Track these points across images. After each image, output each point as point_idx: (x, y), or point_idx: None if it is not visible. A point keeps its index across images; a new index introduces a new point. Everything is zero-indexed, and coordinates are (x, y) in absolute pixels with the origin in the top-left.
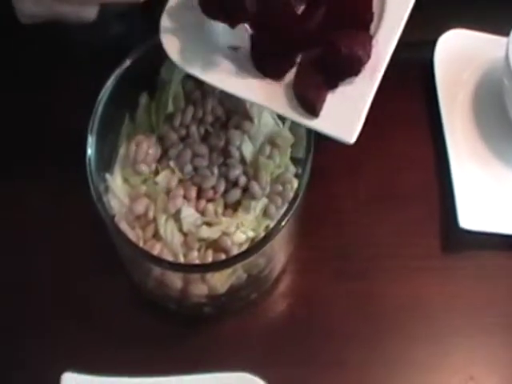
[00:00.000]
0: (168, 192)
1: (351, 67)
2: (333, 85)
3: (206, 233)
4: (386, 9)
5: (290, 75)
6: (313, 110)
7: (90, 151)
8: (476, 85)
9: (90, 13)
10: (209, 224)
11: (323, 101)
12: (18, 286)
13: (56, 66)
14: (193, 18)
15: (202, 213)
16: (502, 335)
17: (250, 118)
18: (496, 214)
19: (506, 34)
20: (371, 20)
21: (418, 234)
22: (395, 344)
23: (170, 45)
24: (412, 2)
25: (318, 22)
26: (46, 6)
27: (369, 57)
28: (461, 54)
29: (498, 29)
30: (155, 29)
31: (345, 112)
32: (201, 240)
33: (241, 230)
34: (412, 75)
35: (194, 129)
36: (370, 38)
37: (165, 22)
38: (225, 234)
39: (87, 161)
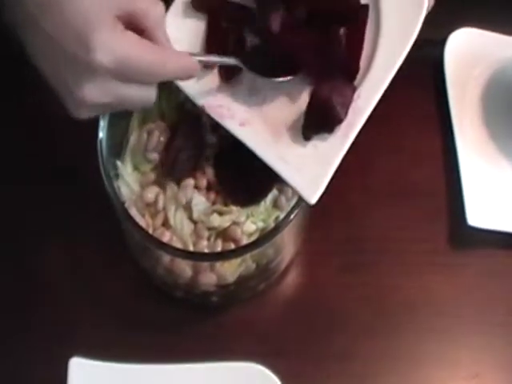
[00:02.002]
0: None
1: (326, 124)
2: (307, 137)
3: (217, 221)
4: (373, 65)
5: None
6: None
7: (101, 134)
8: (485, 83)
9: (152, 94)
10: (219, 213)
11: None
12: (27, 272)
13: None
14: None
15: (213, 203)
16: (509, 333)
17: None
18: (504, 213)
19: None
20: (357, 72)
21: (426, 229)
22: (402, 338)
23: None
24: (398, 65)
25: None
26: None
27: (346, 116)
28: (471, 52)
29: (508, 28)
30: None
31: (312, 169)
32: (211, 229)
33: (251, 220)
34: (422, 73)
35: (204, 118)
36: (353, 91)
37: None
38: (235, 223)
39: (98, 144)
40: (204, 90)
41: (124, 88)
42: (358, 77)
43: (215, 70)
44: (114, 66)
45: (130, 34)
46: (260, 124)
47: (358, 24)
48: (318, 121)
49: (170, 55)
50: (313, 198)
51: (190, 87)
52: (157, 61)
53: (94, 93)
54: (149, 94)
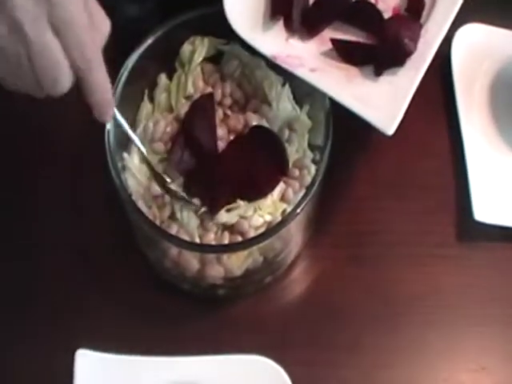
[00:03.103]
0: None
1: (397, 57)
2: (378, 72)
3: (224, 218)
4: (437, 2)
5: None
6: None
7: (108, 126)
8: (492, 78)
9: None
10: (227, 209)
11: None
12: (35, 264)
13: None
14: None
15: None
16: None
17: (268, 103)
18: (511, 208)
19: None
20: (422, 8)
21: (433, 222)
22: (408, 330)
23: (233, 14)
24: (460, 2)
25: None
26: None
27: (415, 48)
28: (478, 47)
29: None
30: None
31: (387, 103)
32: (218, 223)
33: (258, 213)
34: (430, 68)
35: (211, 110)
36: (420, 27)
37: None
38: (242, 217)
39: (106, 134)
40: (271, 42)
41: (48, 35)
42: (424, 14)
43: (280, 22)
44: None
45: None
46: (331, 68)
47: None
48: (389, 55)
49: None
50: (390, 129)
51: (256, 40)
52: (91, 44)
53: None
54: (61, 70)
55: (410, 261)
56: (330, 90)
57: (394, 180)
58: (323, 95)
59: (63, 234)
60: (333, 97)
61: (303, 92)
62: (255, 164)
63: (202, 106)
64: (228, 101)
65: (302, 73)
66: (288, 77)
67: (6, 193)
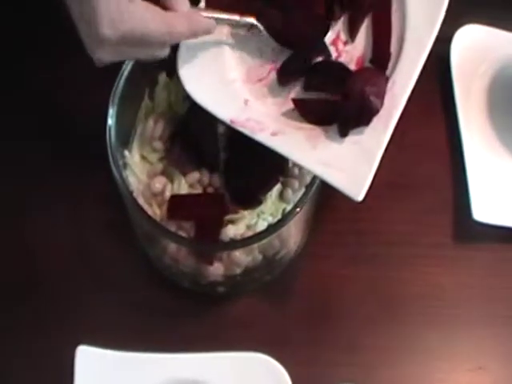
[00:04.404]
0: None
1: (363, 117)
2: (343, 133)
3: (231, 231)
4: (404, 48)
5: None
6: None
7: (110, 121)
8: (491, 79)
9: (165, 51)
10: (232, 221)
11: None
12: (35, 260)
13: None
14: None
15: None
16: None
17: None
18: (509, 208)
19: None
20: (388, 59)
21: (431, 222)
22: (407, 330)
23: (188, 78)
24: (430, 44)
25: None
26: (123, 55)
27: (382, 105)
28: (477, 49)
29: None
30: None
31: (354, 166)
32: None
33: (262, 217)
34: (429, 69)
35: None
36: (386, 80)
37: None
38: (249, 227)
39: (107, 131)
40: (228, 105)
41: (132, 51)
42: (390, 64)
43: (237, 84)
44: (119, 39)
45: (138, 3)
46: (293, 131)
47: (384, 12)
48: (354, 114)
49: (179, 19)
50: (359, 195)
51: (213, 104)
52: (162, 28)
53: (106, 56)
54: (161, 53)
55: (409, 260)
56: (294, 155)
57: (393, 180)
58: None
59: (63, 231)
60: (297, 162)
61: None
62: (254, 164)
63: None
64: None
65: (263, 138)
66: None
67: (5, 191)
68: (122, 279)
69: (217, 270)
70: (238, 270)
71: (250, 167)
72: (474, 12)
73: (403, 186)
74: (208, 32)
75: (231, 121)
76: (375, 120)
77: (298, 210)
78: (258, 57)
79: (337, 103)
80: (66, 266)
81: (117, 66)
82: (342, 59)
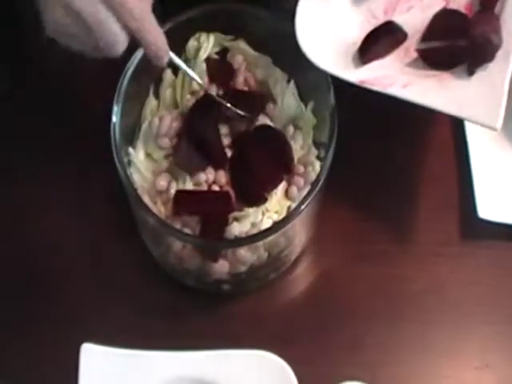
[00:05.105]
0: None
1: (487, 54)
2: (471, 72)
3: (236, 229)
4: None
5: None
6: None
7: (115, 119)
8: None
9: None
10: (237, 219)
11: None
12: (40, 259)
13: None
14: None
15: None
16: None
17: (273, 100)
18: None
19: None
20: (496, 1)
21: (437, 220)
22: (412, 328)
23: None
24: None
25: None
26: (76, 16)
27: (502, 40)
28: None
29: None
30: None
31: (486, 99)
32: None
33: (267, 215)
34: None
35: (216, 108)
36: (498, 19)
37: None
38: (253, 225)
39: (112, 128)
40: (353, 67)
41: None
42: (498, 5)
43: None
44: None
45: None
46: (422, 79)
47: None
48: (479, 53)
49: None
50: (497, 123)
51: (340, 68)
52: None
53: (56, 17)
54: (117, 38)
55: (414, 258)
56: (428, 101)
57: (398, 178)
58: (328, 92)
59: (68, 230)
60: (433, 107)
61: (308, 89)
62: (259, 162)
63: (206, 103)
64: None
65: (394, 91)
66: (293, 73)
67: (6, 191)
68: (127, 278)
69: (222, 267)
70: (243, 268)
71: (256, 165)
72: None
73: (409, 183)
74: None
75: (361, 81)
76: (496, 54)
77: (303, 207)
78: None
79: (460, 47)
80: (69, 266)
81: (122, 63)
82: (450, 7)
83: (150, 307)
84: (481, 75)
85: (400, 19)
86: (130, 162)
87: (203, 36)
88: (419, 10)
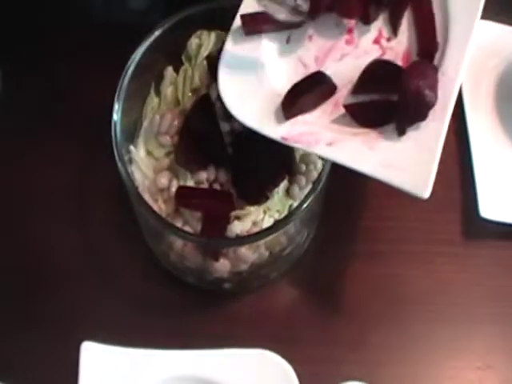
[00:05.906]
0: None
1: (419, 111)
2: (401, 131)
3: (238, 227)
4: (450, 37)
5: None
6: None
7: (115, 117)
8: (500, 76)
9: None
10: (238, 217)
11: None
12: (40, 257)
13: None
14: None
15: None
16: None
17: None
18: None
19: None
20: (436, 50)
21: (439, 220)
22: (414, 328)
23: (231, 101)
24: (476, 27)
25: None
26: None
27: (437, 98)
28: (486, 45)
29: None
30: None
31: (416, 162)
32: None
33: (268, 214)
34: None
35: (218, 104)
36: (436, 71)
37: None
38: (255, 223)
39: (113, 126)
40: (276, 121)
41: None
42: (437, 55)
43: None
44: None
45: None
46: (348, 138)
47: (424, 1)
48: (411, 111)
49: None
50: (425, 192)
51: (264, 123)
52: None
53: None
54: None
55: (416, 258)
56: (354, 163)
57: None
58: None
59: (69, 228)
60: (359, 170)
61: None
62: (261, 160)
63: (208, 101)
64: None
65: (319, 150)
66: None
67: (7, 190)
68: (127, 276)
69: (223, 266)
70: (244, 267)
71: (257, 163)
72: (483, 8)
73: None
74: None
75: (283, 138)
76: (430, 113)
77: (304, 206)
78: (300, 68)
79: (391, 102)
80: (70, 265)
81: (122, 61)
82: (386, 56)
83: (150, 306)
84: (412, 136)
85: (332, 68)
86: (130, 160)
87: (204, 33)
88: (353, 57)
